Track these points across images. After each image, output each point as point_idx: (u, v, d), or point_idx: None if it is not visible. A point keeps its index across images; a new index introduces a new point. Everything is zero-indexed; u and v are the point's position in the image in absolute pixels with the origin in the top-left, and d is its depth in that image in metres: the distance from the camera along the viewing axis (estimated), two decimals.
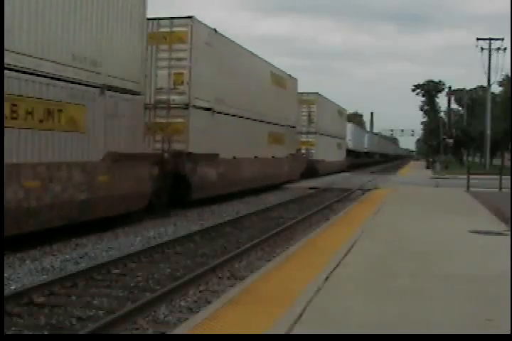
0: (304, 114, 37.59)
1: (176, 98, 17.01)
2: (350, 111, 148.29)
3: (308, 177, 34.60)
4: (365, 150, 73.35)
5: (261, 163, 24.14)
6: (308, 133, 37.99)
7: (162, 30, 17.08)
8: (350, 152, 55.48)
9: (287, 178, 29.28)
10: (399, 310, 5.73)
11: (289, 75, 29.28)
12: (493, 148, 59.55)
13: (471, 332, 5.00)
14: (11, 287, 7.86)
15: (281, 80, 27.73)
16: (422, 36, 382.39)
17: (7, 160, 9.33)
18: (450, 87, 71.59)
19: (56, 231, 11.45)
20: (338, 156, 47.50)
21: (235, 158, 20.74)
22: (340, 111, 50.47)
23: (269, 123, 25.52)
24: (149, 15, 14.68)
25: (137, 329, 6.29)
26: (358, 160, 62.78)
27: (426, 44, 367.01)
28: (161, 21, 17.10)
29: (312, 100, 38.71)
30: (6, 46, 9.35)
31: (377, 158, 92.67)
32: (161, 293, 7.36)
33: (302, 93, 35.94)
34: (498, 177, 23.91)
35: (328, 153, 41.78)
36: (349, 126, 58.44)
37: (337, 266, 7.65)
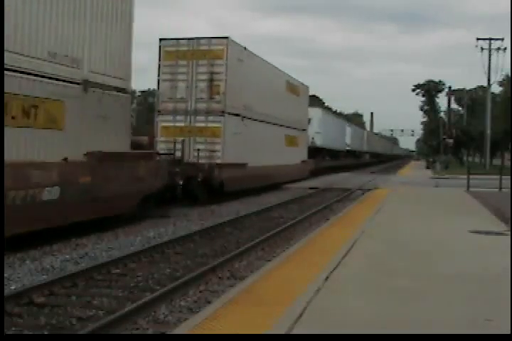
0: (201, 78, 19.65)
1: None
2: (350, 111, 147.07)
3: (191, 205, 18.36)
4: (347, 148, 55.70)
5: None
6: (207, 112, 19.63)
7: None
8: (319, 150, 39.82)
9: (62, 222, 11.38)
10: (399, 310, 5.73)
11: None
12: (493, 148, 59.59)
13: (471, 332, 5.00)
14: (11, 287, 7.87)
15: None
16: (422, 36, 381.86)
17: None
18: (450, 87, 71.95)
19: (56, 231, 11.46)
20: (287, 158, 27.66)
21: None
22: (294, 85, 29.06)
23: None
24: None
25: (137, 329, 6.29)
26: (333, 163, 46.31)
27: (426, 44, 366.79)
28: None
29: (216, 52, 19.62)
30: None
31: (367, 159, 75.20)
32: (161, 293, 7.36)
33: (191, 38, 19.86)
34: (498, 177, 23.91)
35: (257, 151, 22.84)
36: (315, 111, 39.66)
37: (337, 265, 7.64)
